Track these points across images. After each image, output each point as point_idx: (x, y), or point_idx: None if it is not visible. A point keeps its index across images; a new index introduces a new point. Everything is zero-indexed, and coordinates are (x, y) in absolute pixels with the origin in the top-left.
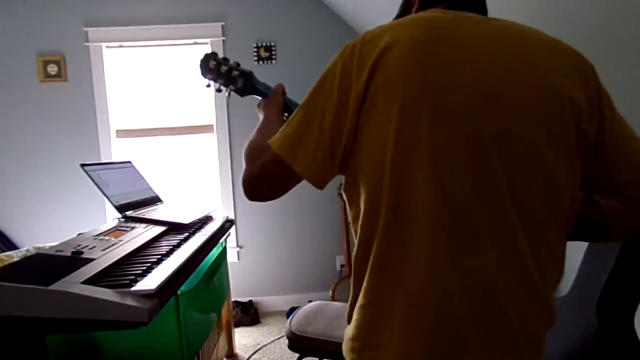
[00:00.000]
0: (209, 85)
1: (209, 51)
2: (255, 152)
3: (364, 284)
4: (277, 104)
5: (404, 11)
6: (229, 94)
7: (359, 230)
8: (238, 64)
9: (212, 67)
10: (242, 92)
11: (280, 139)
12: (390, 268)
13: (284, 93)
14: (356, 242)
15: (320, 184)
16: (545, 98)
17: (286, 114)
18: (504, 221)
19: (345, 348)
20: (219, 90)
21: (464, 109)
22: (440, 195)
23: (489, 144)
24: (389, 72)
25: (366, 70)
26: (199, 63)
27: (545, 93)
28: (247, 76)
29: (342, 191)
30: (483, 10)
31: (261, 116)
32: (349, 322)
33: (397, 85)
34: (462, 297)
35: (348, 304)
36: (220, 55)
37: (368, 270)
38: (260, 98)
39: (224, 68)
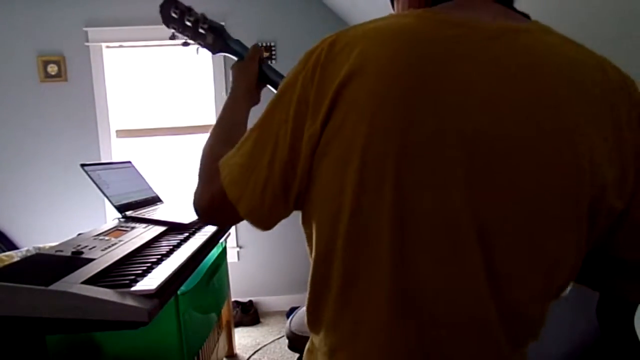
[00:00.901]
0: (173, 37)
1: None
2: (207, 171)
3: (321, 335)
4: (250, 74)
5: None
6: (197, 49)
7: (310, 279)
8: (205, 17)
9: (175, 16)
10: (213, 49)
11: (228, 170)
12: (342, 331)
13: (262, 59)
14: (309, 281)
15: (266, 227)
16: (556, 169)
17: (269, 86)
18: (478, 317)
19: None
20: (185, 44)
21: (442, 174)
22: (401, 279)
23: (471, 228)
24: (351, 111)
25: (324, 104)
26: (159, 10)
27: (559, 161)
28: (218, 32)
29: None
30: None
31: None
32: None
33: (358, 131)
34: None
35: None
36: (186, 3)
37: (323, 327)
38: (235, 58)
39: (189, 19)
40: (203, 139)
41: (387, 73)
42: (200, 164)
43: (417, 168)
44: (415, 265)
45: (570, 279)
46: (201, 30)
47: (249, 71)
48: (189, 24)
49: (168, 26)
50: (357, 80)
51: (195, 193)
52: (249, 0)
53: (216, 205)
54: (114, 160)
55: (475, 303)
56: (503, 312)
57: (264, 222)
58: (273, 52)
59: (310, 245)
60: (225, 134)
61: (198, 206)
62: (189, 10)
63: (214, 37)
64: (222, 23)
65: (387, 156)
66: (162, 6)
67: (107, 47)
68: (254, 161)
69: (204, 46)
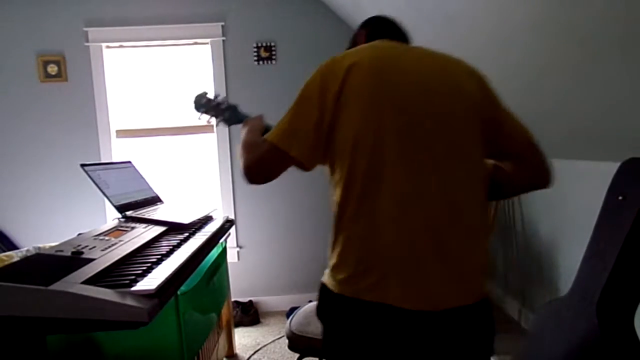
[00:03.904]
0: (200, 118)
1: (201, 91)
2: (252, 146)
3: (344, 232)
4: (259, 123)
5: (351, 47)
6: (217, 124)
7: (340, 191)
8: (225, 99)
9: (203, 102)
10: (228, 122)
11: (277, 133)
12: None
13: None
14: (337, 201)
15: (311, 165)
16: (459, 96)
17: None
18: (445, 180)
19: (330, 282)
20: (209, 122)
21: (412, 105)
22: (402, 156)
23: (429, 126)
24: (356, 80)
25: (340, 78)
26: (192, 99)
27: (459, 93)
28: (233, 108)
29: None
30: (407, 40)
31: (245, 130)
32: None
33: (363, 89)
34: (423, 236)
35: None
36: (211, 94)
37: (347, 217)
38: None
39: (213, 102)
40: (203, 139)
41: (372, 60)
42: (244, 146)
43: (398, 102)
44: (406, 146)
45: (485, 167)
46: (221, 109)
47: (257, 122)
48: (213, 105)
49: (197, 110)
50: (357, 65)
51: (244, 160)
52: (248, 0)
53: (266, 160)
54: (114, 160)
55: (440, 171)
56: (455, 180)
57: (310, 161)
58: (273, 53)
59: (335, 176)
60: (256, 135)
61: (248, 164)
62: (215, 97)
63: (230, 113)
64: (222, 23)
65: (382, 99)
66: (195, 97)
67: (107, 47)
68: (298, 122)
69: (223, 120)
